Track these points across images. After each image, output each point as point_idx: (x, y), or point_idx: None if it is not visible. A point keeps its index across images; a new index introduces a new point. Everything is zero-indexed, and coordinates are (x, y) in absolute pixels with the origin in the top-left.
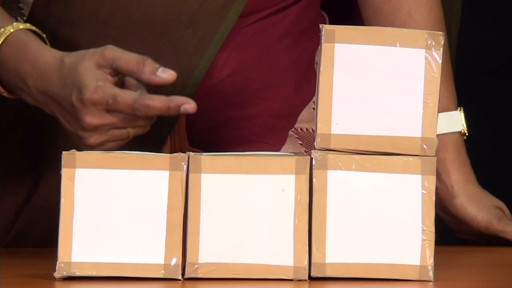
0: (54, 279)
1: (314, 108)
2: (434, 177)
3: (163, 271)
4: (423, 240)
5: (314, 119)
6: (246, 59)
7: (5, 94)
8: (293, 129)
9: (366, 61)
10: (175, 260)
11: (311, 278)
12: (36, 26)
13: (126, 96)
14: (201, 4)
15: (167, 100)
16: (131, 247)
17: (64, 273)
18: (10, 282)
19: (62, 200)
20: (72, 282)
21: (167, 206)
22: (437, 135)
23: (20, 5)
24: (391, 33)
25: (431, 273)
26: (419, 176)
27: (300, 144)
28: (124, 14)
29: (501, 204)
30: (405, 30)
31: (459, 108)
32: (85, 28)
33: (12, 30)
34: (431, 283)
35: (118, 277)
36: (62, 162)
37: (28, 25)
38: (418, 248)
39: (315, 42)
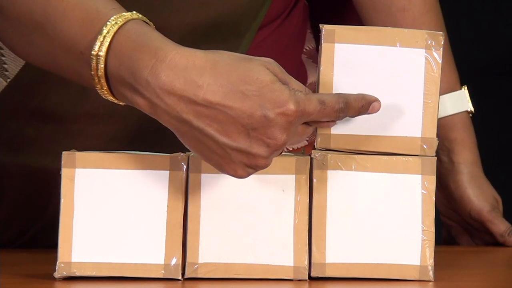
0: (54, 279)
1: None
2: (434, 177)
3: (163, 271)
4: (423, 240)
5: None
6: None
7: (108, 96)
8: None
9: (366, 61)
10: (175, 260)
11: (311, 278)
12: None
13: (333, 99)
14: (235, 23)
15: (361, 99)
16: (131, 247)
17: (64, 273)
18: (10, 282)
19: (62, 200)
20: (72, 282)
21: (167, 206)
22: (447, 116)
23: None
24: (391, 33)
25: (431, 273)
26: (419, 176)
27: None
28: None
29: (498, 197)
30: (405, 30)
31: (463, 86)
32: None
33: (129, 17)
34: (431, 283)
35: (118, 277)
36: (62, 162)
37: (142, 17)
38: (418, 248)
39: (303, 36)
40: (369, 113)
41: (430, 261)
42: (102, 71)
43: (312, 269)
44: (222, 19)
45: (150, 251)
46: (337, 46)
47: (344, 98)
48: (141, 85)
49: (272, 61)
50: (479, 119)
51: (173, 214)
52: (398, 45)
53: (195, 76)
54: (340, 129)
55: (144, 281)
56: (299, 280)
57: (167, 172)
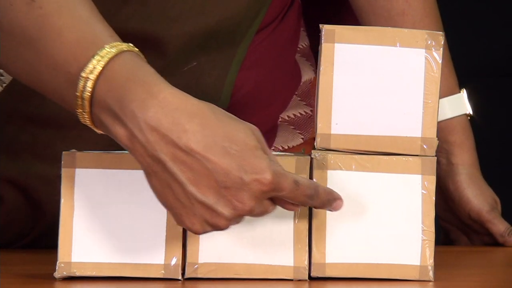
0: (54, 279)
1: (296, 94)
2: (434, 177)
3: (163, 271)
4: (423, 240)
5: (297, 105)
6: (260, 75)
7: (87, 120)
8: (280, 119)
9: (366, 61)
10: (175, 260)
11: (311, 278)
12: None
13: (306, 183)
14: (232, 31)
15: (329, 193)
16: (131, 247)
17: (64, 273)
18: (10, 282)
19: (62, 200)
20: (72, 282)
21: None
22: (446, 120)
23: None
24: (391, 33)
25: (431, 273)
26: (419, 176)
27: (293, 128)
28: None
29: (496, 198)
30: (405, 30)
31: (462, 90)
32: None
33: (126, 48)
34: (431, 283)
35: (118, 277)
36: (62, 162)
37: (138, 51)
38: (418, 248)
39: (297, 36)
40: (330, 210)
41: (430, 261)
42: (88, 94)
43: (312, 269)
44: (220, 27)
45: (150, 251)
46: (337, 46)
47: (315, 186)
48: (126, 115)
49: (257, 129)
50: (479, 120)
51: None
52: (398, 45)
53: (184, 119)
54: (340, 129)
55: (144, 281)
56: (299, 280)
57: None
